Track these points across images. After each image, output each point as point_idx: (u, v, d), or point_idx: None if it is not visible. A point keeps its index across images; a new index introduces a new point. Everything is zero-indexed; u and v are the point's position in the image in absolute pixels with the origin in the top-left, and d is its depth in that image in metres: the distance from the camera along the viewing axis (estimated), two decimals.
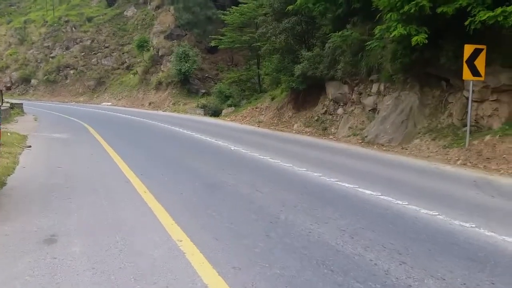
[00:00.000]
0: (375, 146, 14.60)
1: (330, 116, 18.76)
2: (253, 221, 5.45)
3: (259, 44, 28.00)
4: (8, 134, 13.47)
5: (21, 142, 12.25)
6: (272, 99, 25.98)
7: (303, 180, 8.44)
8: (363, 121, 16.90)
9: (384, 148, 14.12)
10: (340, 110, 18.38)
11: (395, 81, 15.80)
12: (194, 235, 4.77)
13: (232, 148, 12.80)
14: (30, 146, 11.60)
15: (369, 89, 17.28)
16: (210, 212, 5.80)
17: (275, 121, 22.82)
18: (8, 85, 51.72)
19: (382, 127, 15.28)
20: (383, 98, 16.30)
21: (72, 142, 13.21)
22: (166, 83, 39.57)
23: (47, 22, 55.16)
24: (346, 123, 17.56)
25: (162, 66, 41.58)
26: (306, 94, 21.01)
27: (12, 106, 23.70)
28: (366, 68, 17.05)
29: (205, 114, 31.43)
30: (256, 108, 27.09)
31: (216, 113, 30.81)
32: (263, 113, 25.51)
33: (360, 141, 15.61)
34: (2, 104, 6.85)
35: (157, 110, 36.18)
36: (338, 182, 8.13)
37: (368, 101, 17.04)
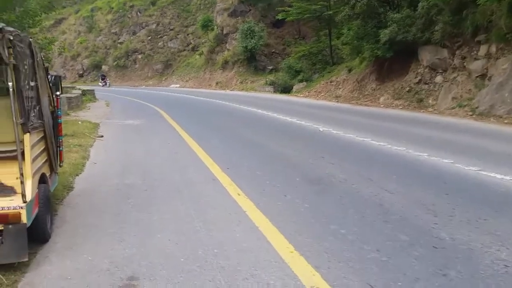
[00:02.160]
0: (491, 119, 12.14)
1: (426, 86, 16.26)
2: (408, 246, 3.73)
3: (331, 12, 25.61)
4: (79, 122, 12.74)
5: (92, 131, 11.37)
6: (350, 70, 23.67)
7: (434, 170, 6.52)
8: (469, 89, 14.33)
9: (505, 121, 11.66)
10: (438, 78, 15.84)
11: (511, 40, 13.05)
12: (331, 275, 3.17)
13: (321, 129, 11.04)
14: (102, 136, 10.65)
15: (475, 52, 14.58)
16: (335, 227, 4.16)
17: (356, 95, 20.62)
18: (81, 72, 53.44)
19: (498, 95, 12.70)
20: (496, 62, 13.59)
21: (146, 129, 12.16)
22: (232, 61, 38.31)
23: (112, 8, 55.89)
24: (448, 92, 15.04)
25: (227, 44, 40.28)
26: (392, 63, 18.55)
27: (84, 92, 23.56)
28: (471, 27, 14.36)
29: (275, 91, 29.78)
30: (331, 81, 24.93)
31: (286, 90, 29.04)
32: (340, 86, 23.33)
33: (470, 114, 13.17)
34: (61, 93, 5.60)
35: (224, 89, 35.12)
36: (482, 172, 6.18)
37: (475, 65, 14.38)
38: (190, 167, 7.08)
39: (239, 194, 5.35)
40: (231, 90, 34.02)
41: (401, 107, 16.31)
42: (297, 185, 5.79)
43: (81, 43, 54.89)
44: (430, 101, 15.62)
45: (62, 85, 6.80)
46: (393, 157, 7.56)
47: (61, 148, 5.47)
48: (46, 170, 4.39)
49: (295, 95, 26.46)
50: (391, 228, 4.14)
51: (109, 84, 44.38)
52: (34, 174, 3.76)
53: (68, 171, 6.48)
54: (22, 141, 3.67)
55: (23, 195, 3.43)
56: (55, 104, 5.41)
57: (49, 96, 5.15)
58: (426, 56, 16.31)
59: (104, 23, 55.91)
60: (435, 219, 4.37)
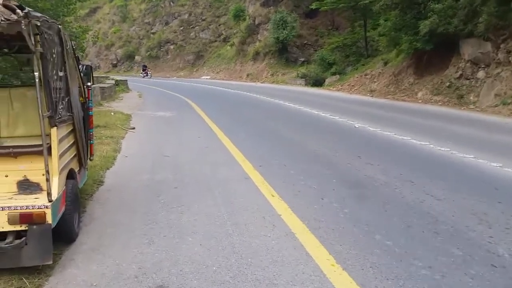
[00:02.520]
0: None
1: (467, 81, 15.45)
2: (462, 262, 3.36)
3: (367, 1, 24.76)
4: (112, 114, 12.74)
5: (124, 123, 11.32)
6: (385, 63, 22.89)
7: (482, 174, 6.05)
8: None
9: None
10: (481, 74, 15.00)
11: None
12: None
13: (356, 126, 10.60)
14: (134, 128, 10.57)
15: None
16: (380, 238, 3.82)
17: (392, 89, 19.89)
18: (114, 62, 54.25)
19: None
20: None
21: (177, 122, 12.03)
22: (264, 53, 37.84)
23: None
24: (491, 89, 14.23)
25: (259, 35, 39.82)
26: (431, 56, 17.74)
27: (117, 83, 23.76)
28: None
29: (306, 84, 29.22)
30: (366, 75, 24.20)
31: (318, 83, 28.40)
32: (375, 80, 22.61)
33: None
34: (93, 83, 5.44)
35: (255, 82, 34.79)
36: None
37: None
38: (221, 163, 6.84)
39: (273, 195, 5.06)
40: (261, 83, 33.68)
41: (440, 103, 15.58)
42: (334, 187, 5.45)
43: (115, 32, 55.63)
44: (471, 98, 14.83)
45: (96, 75, 6.65)
46: (437, 158, 7.10)
47: (91, 142, 5.33)
48: (74, 165, 4.22)
49: (328, 89, 25.86)
50: (442, 241, 3.77)
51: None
52: (61, 171, 3.59)
53: (99, 164, 6.37)
54: (48, 135, 3.49)
55: (49, 194, 3.25)
56: (86, 95, 5.26)
57: (79, 87, 4.99)
58: (468, 49, 15.49)
59: (138, 12, 56.42)
60: (490, 232, 3.97)
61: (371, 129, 10.03)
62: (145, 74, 43.59)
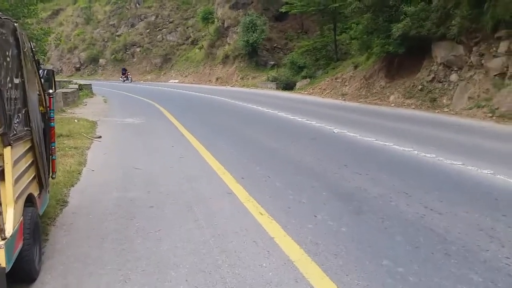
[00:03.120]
0: None
1: (440, 84, 15.50)
2: None
3: (336, 5, 24.75)
4: (75, 121, 11.93)
5: (89, 131, 10.56)
6: (356, 67, 22.90)
7: (476, 183, 5.79)
8: (487, 89, 13.59)
9: None
10: (453, 77, 15.07)
11: None
12: None
13: (335, 131, 10.29)
14: (100, 137, 9.85)
15: (494, 48, 13.82)
16: (388, 263, 3.41)
17: (364, 93, 19.85)
18: (78, 65, 52.42)
19: None
20: None
21: (147, 129, 11.35)
22: (233, 56, 37.40)
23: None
24: (464, 92, 14.30)
25: (228, 38, 39.36)
26: (403, 59, 17.78)
27: (81, 87, 22.69)
28: (492, 22, 13.59)
29: (277, 88, 28.95)
30: (336, 78, 24.13)
31: (289, 86, 28.21)
32: (346, 83, 22.54)
33: (490, 115, 12.46)
34: (55, 90, 4.79)
35: (225, 85, 34.28)
36: None
37: (494, 63, 13.64)
38: (199, 176, 6.30)
39: (261, 213, 4.58)
40: (231, 86, 33.20)
41: (413, 106, 15.56)
42: (326, 202, 5.02)
43: (78, 35, 53.81)
44: (444, 101, 14.87)
45: (58, 79, 5.95)
46: (425, 165, 6.81)
47: (53, 157, 4.68)
48: (34, 189, 3.60)
49: (299, 92, 25.67)
50: (457, 265, 3.39)
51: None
52: (17, 199, 2.98)
53: (62, 180, 5.70)
54: (1, 156, 2.89)
55: (1, 230, 2.65)
56: (47, 105, 4.61)
57: (39, 95, 4.36)
58: (441, 52, 15.55)
59: (102, 14, 54.84)
60: (504, 251, 3.63)
61: (351, 135, 9.73)
62: (125, 78, 41.85)
